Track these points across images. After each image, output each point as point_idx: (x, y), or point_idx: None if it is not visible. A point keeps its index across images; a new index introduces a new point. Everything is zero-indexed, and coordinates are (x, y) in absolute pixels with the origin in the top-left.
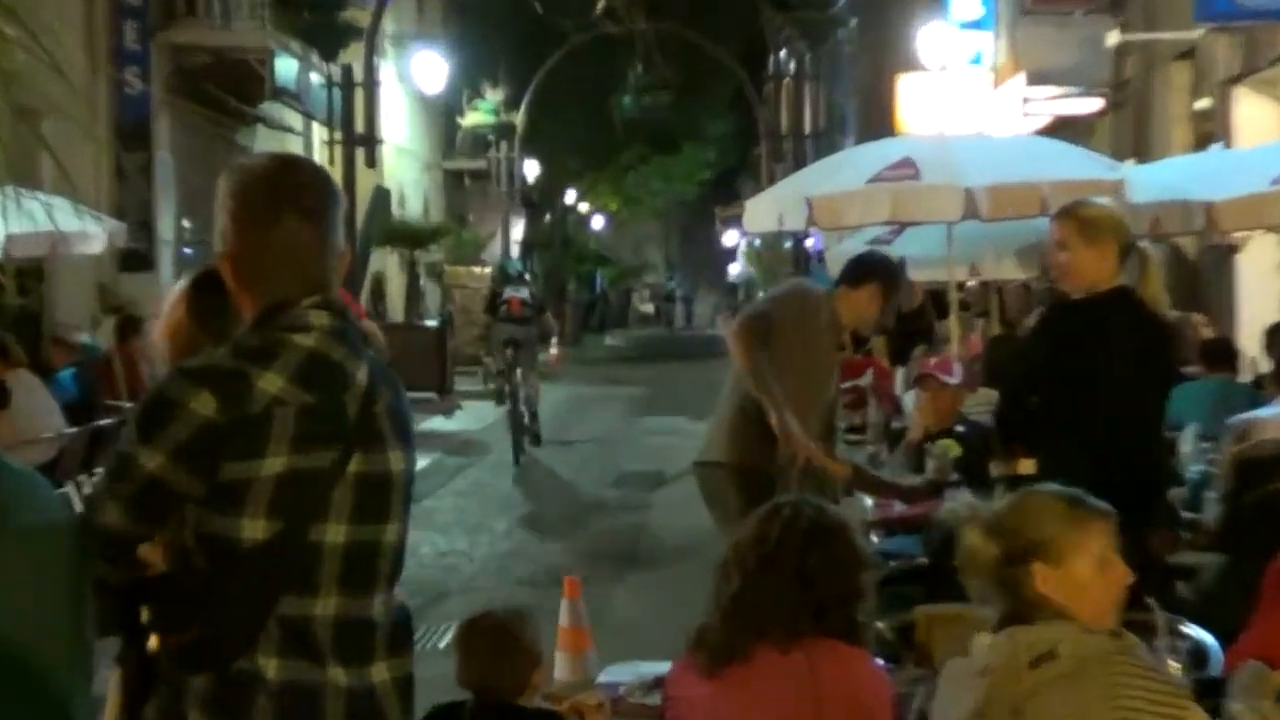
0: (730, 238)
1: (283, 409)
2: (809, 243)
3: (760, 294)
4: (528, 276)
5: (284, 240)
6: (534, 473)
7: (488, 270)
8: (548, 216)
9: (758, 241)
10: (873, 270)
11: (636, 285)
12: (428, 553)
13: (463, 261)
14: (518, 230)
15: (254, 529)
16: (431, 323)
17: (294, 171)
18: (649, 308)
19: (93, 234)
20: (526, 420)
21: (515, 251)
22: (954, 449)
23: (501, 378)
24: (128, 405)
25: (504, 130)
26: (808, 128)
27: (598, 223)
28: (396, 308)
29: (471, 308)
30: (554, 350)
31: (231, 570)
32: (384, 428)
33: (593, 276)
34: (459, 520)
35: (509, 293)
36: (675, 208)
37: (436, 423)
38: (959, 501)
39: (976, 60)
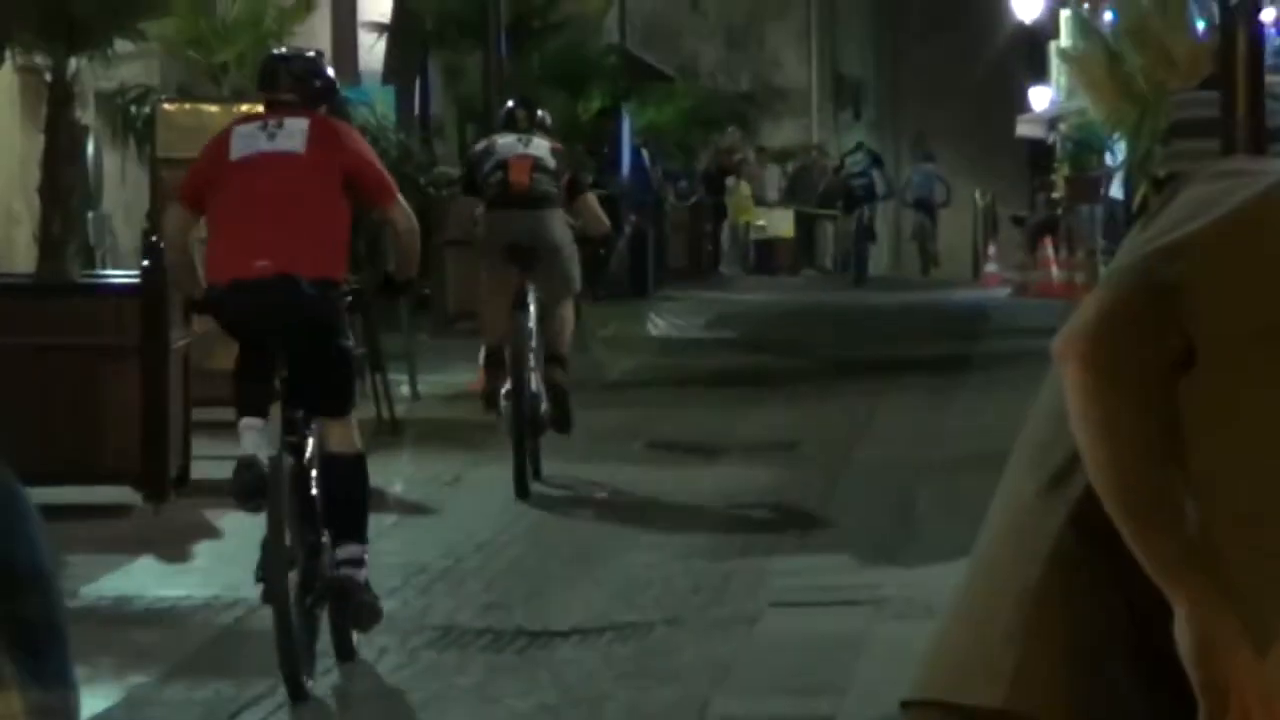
0: (1027, 5)
1: None
2: (1267, 17)
3: (1114, 181)
4: (545, 117)
5: None
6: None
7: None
8: None
9: (1109, 17)
10: None
11: (744, 156)
12: None
13: (212, 82)
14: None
15: None
16: (122, 276)
17: None
18: (778, 222)
19: None
20: (544, 403)
21: (373, 57)
22: None
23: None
24: None
25: None
26: None
27: None
28: (17, 236)
29: None
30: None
31: None
32: None
33: (615, 134)
34: None
35: (505, 149)
36: None
37: (140, 576)
38: None
39: None
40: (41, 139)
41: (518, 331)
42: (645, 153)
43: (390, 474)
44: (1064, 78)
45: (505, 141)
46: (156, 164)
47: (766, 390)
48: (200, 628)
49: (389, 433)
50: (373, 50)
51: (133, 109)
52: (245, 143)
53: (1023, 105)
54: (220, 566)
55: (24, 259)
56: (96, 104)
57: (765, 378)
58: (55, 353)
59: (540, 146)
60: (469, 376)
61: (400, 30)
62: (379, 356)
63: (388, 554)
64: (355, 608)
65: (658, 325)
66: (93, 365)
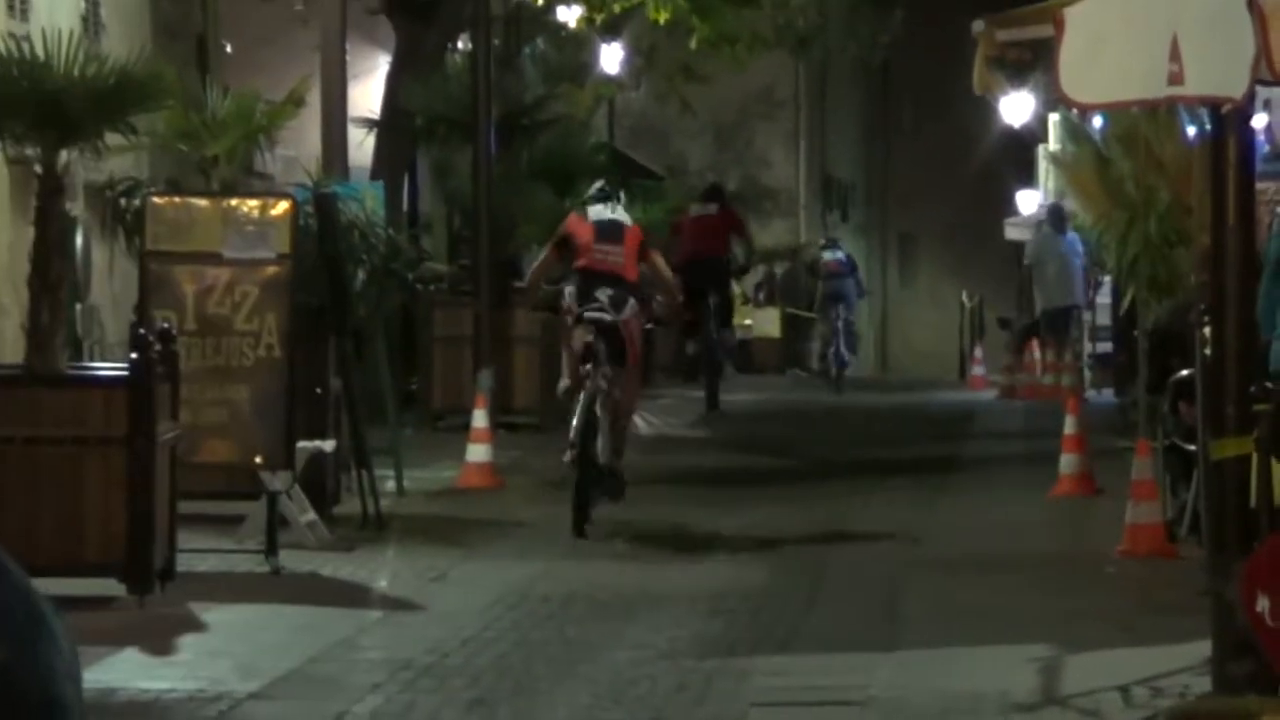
0: (1016, 109)
1: None
2: (1258, 124)
3: (1102, 285)
4: (843, 246)
5: None
6: None
7: (280, 210)
8: (459, 46)
9: (1099, 121)
10: None
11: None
12: None
13: (201, 175)
14: (367, 87)
15: None
16: (110, 368)
17: None
18: (764, 321)
19: None
20: (847, 357)
21: (362, 152)
22: None
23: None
24: None
25: None
26: None
27: (611, 63)
28: (5, 327)
29: (233, 314)
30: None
31: None
32: None
33: None
34: None
35: (826, 256)
36: (844, 21)
37: (124, 669)
38: None
39: None
40: (30, 230)
41: (830, 325)
42: None
43: (375, 569)
44: (1052, 181)
45: (827, 252)
46: (145, 257)
47: (752, 489)
48: None
49: (374, 528)
50: (362, 146)
51: (122, 202)
52: (695, 210)
53: (1010, 208)
54: (205, 660)
55: (11, 350)
56: (86, 196)
57: (751, 477)
58: (42, 444)
59: (840, 253)
60: (453, 472)
61: (390, 126)
62: (364, 451)
63: (372, 649)
64: None
65: (643, 424)
66: (79, 457)
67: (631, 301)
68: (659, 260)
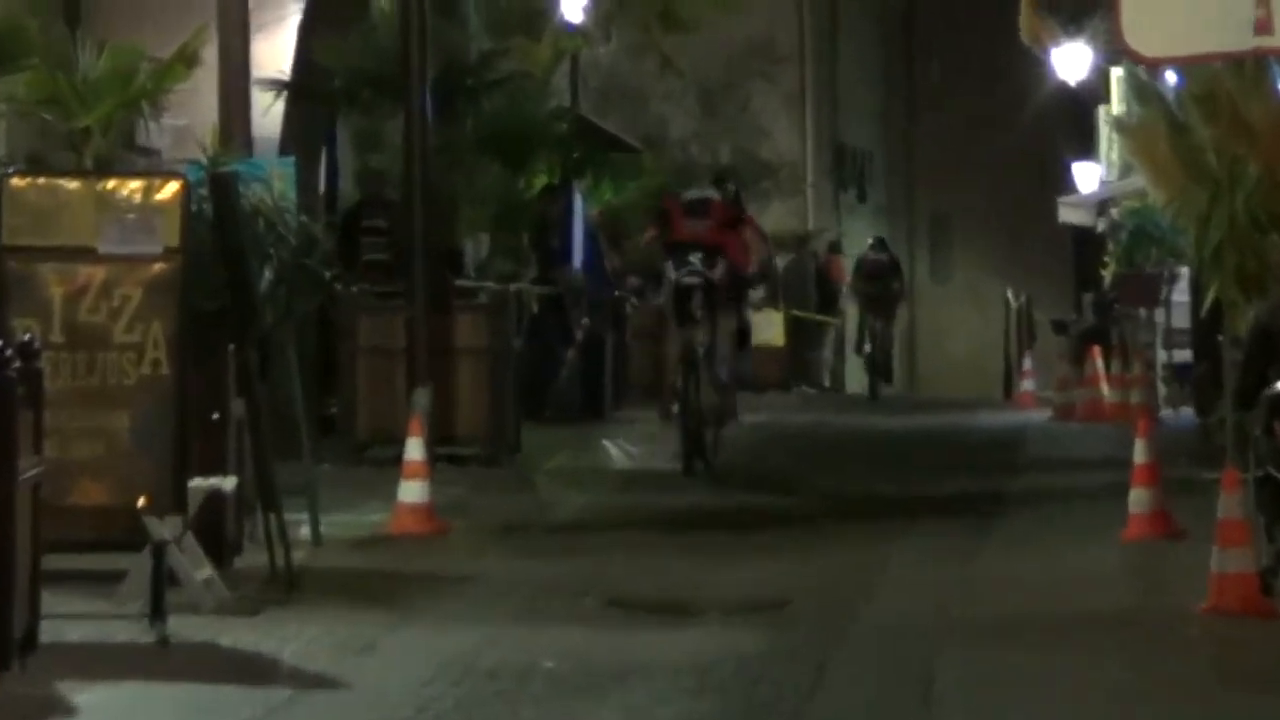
0: (1071, 63)
1: None
2: None
3: (1178, 280)
4: (880, 245)
5: None
6: None
7: (168, 194)
8: None
9: (1172, 78)
10: None
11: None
12: None
13: (71, 151)
14: (274, 41)
15: None
16: None
17: None
18: (765, 327)
19: None
20: (881, 360)
21: (270, 121)
22: None
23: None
24: None
25: None
26: None
27: (573, 10)
28: None
29: (110, 323)
30: None
31: None
32: None
33: (565, 218)
34: None
35: (870, 256)
36: None
37: None
38: None
39: None
40: None
41: (873, 330)
42: (591, 222)
43: (285, 638)
44: (1116, 152)
45: (872, 252)
46: (2, 253)
47: (751, 535)
48: None
49: (284, 586)
50: (269, 114)
51: None
52: (690, 200)
53: (1065, 185)
54: None
55: None
56: None
57: (749, 520)
58: None
59: (885, 254)
60: (383, 516)
61: (303, 90)
62: (272, 491)
63: None
64: None
65: (616, 454)
66: None
67: (721, 261)
68: (748, 230)
